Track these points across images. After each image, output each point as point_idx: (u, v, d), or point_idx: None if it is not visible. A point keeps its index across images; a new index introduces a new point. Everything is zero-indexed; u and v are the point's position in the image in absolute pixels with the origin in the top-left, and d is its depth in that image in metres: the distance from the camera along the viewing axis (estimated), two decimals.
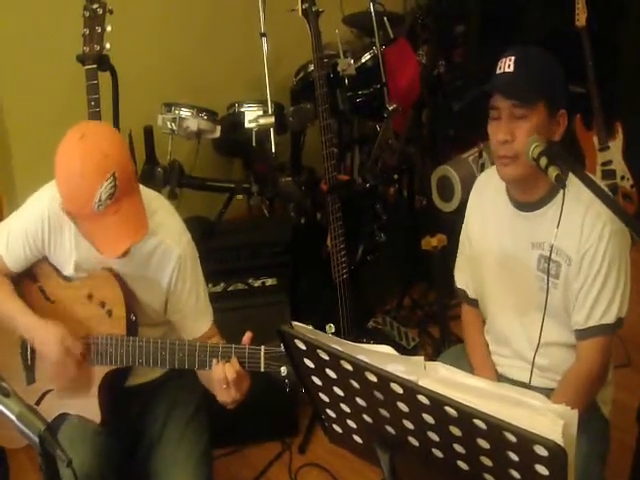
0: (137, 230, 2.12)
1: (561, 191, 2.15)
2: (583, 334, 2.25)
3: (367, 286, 3.60)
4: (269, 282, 3.44)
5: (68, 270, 2.37)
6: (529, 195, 2.28)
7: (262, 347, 2.16)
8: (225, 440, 3.26)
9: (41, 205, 2.30)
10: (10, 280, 2.40)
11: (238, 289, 3.41)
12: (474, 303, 2.60)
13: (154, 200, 2.39)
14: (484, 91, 2.22)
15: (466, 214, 2.56)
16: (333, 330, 2.01)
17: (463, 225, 2.56)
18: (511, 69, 2.17)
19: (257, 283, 3.43)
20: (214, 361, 2.19)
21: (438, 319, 3.77)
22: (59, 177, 2.12)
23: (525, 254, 2.31)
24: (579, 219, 2.18)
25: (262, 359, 2.16)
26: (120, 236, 2.11)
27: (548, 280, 2.25)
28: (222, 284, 3.39)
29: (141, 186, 2.32)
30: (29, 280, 2.42)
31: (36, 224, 2.31)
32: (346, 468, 3.21)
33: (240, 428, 3.23)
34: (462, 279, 2.62)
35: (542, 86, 2.17)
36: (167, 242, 2.32)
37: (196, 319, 2.40)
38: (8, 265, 2.38)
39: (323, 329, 1.75)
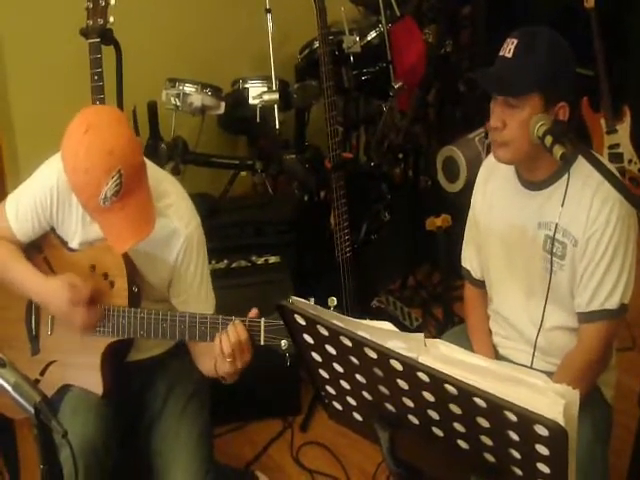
0: (143, 228, 2.12)
1: (571, 169, 2.13)
2: (585, 317, 2.24)
3: (371, 265, 3.58)
4: (272, 260, 3.42)
5: (73, 244, 2.38)
6: (535, 174, 2.26)
7: (262, 319, 2.15)
8: (227, 417, 3.26)
9: (50, 176, 2.29)
10: (18, 246, 2.40)
11: (241, 266, 3.39)
12: (477, 283, 2.58)
13: (165, 182, 2.39)
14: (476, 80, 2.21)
15: (474, 192, 2.53)
16: (335, 303, 2.00)
17: (471, 204, 2.54)
18: (510, 54, 2.12)
19: (260, 261, 3.42)
20: (216, 335, 2.17)
21: (442, 300, 3.79)
22: (65, 167, 2.10)
23: (532, 233, 2.29)
24: (587, 201, 2.16)
25: (262, 332, 2.15)
26: (126, 233, 2.11)
27: (552, 260, 2.23)
28: (225, 261, 3.38)
29: (152, 166, 2.32)
30: (34, 250, 2.43)
31: (45, 194, 2.30)
32: (348, 447, 3.21)
33: (242, 405, 3.23)
34: (467, 258, 2.61)
35: (538, 78, 2.10)
36: (175, 224, 2.31)
37: (198, 305, 2.38)
38: (17, 235, 2.38)
39: (325, 306, 1.73)
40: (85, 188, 2.07)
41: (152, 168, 2.30)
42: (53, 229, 2.39)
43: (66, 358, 2.43)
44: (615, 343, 2.37)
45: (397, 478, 1.74)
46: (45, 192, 2.30)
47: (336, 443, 3.26)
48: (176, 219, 2.32)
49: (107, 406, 2.40)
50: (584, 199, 2.17)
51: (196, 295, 2.40)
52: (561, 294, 2.27)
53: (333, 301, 2.01)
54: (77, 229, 2.35)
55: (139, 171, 2.12)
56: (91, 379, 2.36)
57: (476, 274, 2.57)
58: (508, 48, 2.13)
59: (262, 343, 2.16)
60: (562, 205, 2.16)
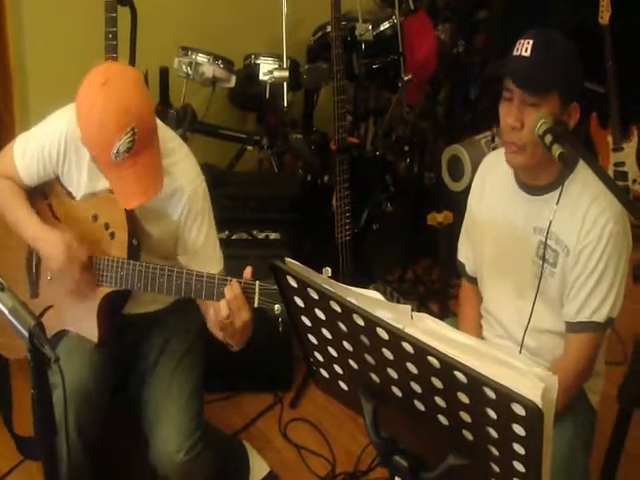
0: (151, 187, 2.15)
1: (569, 178, 2.15)
2: (572, 327, 2.25)
3: (371, 253, 3.60)
4: (273, 236, 3.45)
5: (77, 195, 2.40)
6: (536, 179, 2.27)
7: (257, 282, 2.16)
8: (219, 385, 3.29)
9: (60, 125, 2.32)
10: (23, 190, 2.43)
11: (242, 239, 3.42)
12: (471, 279, 2.59)
13: (172, 141, 2.41)
14: (497, 75, 2.18)
15: (471, 189, 2.53)
16: (330, 274, 1.97)
17: (468, 199, 2.54)
18: (527, 53, 2.11)
19: (261, 235, 3.45)
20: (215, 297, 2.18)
21: (439, 296, 3.85)
22: (79, 119, 2.13)
23: (526, 237, 2.30)
24: (582, 211, 2.17)
25: (257, 294, 2.16)
26: (135, 190, 2.13)
27: (543, 266, 2.24)
28: (226, 232, 3.39)
29: (161, 125, 2.34)
30: (39, 196, 2.46)
31: (53, 142, 2.33)
32: (335, 427, 3.24)
33: (235, 375, 3.29)
34: (463, 253, 2.61)
35: (557, 76, 2.11)
36: (180, 182, 2.34)
37: (204, 262, 2.38)
38: (21, 176, 2.40)
39: None
40: (98, 141, 2.09)
41: (161, 127, 2.32)
42: (58, 178, 2.41)
43: (63, 304, 2.45)
44: (605, 355, 2.39)
45: (378, 450, 1.74)
46: (53, 140, 2.33)
47: (324, 422, 3.28)
48: (180, 177, 2.34)
49: (101, 353, 2.43)
50: (579, 210, 2.18)
51: (202, 252, 2.41)
52: (551, 298, 2.28)
53: (328, 272, 1.98)
54: (82, 181, 2.37)
55: (151, 132, 2.15)
56: (87, 326, 2.38)
57: (470, 269, 2.58)
58: (524, 47, 2.12)
59: (256, 305, 2.16)
60: (557, 203, 2.16)
